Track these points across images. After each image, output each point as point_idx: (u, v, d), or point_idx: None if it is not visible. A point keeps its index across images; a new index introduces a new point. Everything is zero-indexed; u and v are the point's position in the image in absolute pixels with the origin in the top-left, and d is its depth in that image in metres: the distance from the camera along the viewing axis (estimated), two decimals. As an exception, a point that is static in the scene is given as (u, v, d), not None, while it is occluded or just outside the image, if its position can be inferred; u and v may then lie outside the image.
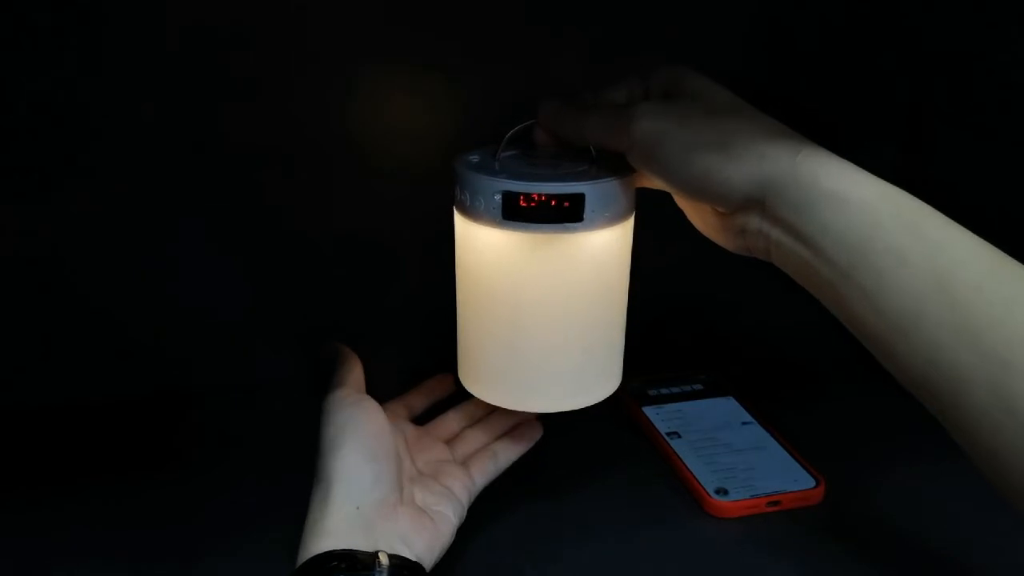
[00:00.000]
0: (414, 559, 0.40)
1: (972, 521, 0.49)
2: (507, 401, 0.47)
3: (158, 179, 0.56)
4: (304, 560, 0.39)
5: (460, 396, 0.53)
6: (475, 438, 0.51)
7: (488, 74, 0.58)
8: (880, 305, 0.36)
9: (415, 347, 0.61)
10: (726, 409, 0.60)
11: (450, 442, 0.51)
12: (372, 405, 0.46)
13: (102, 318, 0.58)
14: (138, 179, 0.56)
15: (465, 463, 0.49)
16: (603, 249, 0.43)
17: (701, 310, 0.69)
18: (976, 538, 0.48)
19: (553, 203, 0.41)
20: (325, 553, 0.38)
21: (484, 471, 0.48)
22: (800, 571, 0.46)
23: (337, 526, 0.40)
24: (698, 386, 0.63)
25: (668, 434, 0.57)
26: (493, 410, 0.52)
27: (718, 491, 0.51)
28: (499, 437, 0.51)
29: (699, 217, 0.44)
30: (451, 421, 0.52)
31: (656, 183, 0.42)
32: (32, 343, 0.58)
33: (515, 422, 0.52)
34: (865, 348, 0.38)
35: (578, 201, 0.41)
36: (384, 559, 0.39)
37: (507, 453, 0.50)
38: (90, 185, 0.55)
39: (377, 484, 0.42)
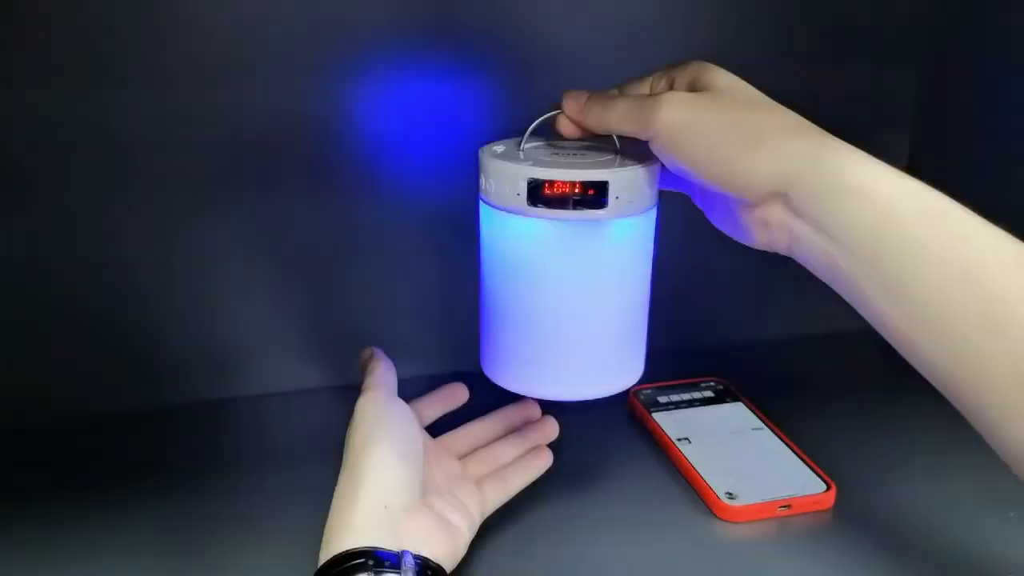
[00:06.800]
0: None
1: (982, 526, 0.49)
2: (530, 389, 0.47)
3: (171, 186, 0.56)
4: (328, 557, 0.38)
5: (470, 408, 0.53)
6: (487, 460, 0.50)
7: (511, 69, 0.59)
8: (903, 298, 0.36)
9: (431, 347, 0.62)
10: (736, 415, 0.60)
11: (462, 459, 0.50)
12: (405, 408, 0.47)
13: (111, 327, 0.59)
14: (148, 185, 0.56)
15: (479, 483, 0.48)
16: (626, 237, 0.44)
17: (711, 315, 0.70)
18: (986, 543, 0.48)
19: (578, 190, 0.41)
20: (349, 551, 0.38)
21: (496, 492, 0.48)
22: (811, 575, 0.46)
23: (364, 523, 0.40)
24: (708, 393, 0.63)
25: (679, 440, 0.56)
26: (503, 434, 0.52)
27: (728, 495, 0.51)
28: (510, 463, 0.50)
29: (720, 212, 0.44)
30: (462, 439, 0.51)
31: (679, 174, 0.42)
32: (47, 355, 0.58)
33: (527, 448, 0.51)
34: (875, 355, 0.38)
35: (602, 188, 0.41)
36: (410, 559, 0.38)
37: (517, 479, 0.49)
38: (93, 193, 0.56)
39: (406, 485, 0.42)
